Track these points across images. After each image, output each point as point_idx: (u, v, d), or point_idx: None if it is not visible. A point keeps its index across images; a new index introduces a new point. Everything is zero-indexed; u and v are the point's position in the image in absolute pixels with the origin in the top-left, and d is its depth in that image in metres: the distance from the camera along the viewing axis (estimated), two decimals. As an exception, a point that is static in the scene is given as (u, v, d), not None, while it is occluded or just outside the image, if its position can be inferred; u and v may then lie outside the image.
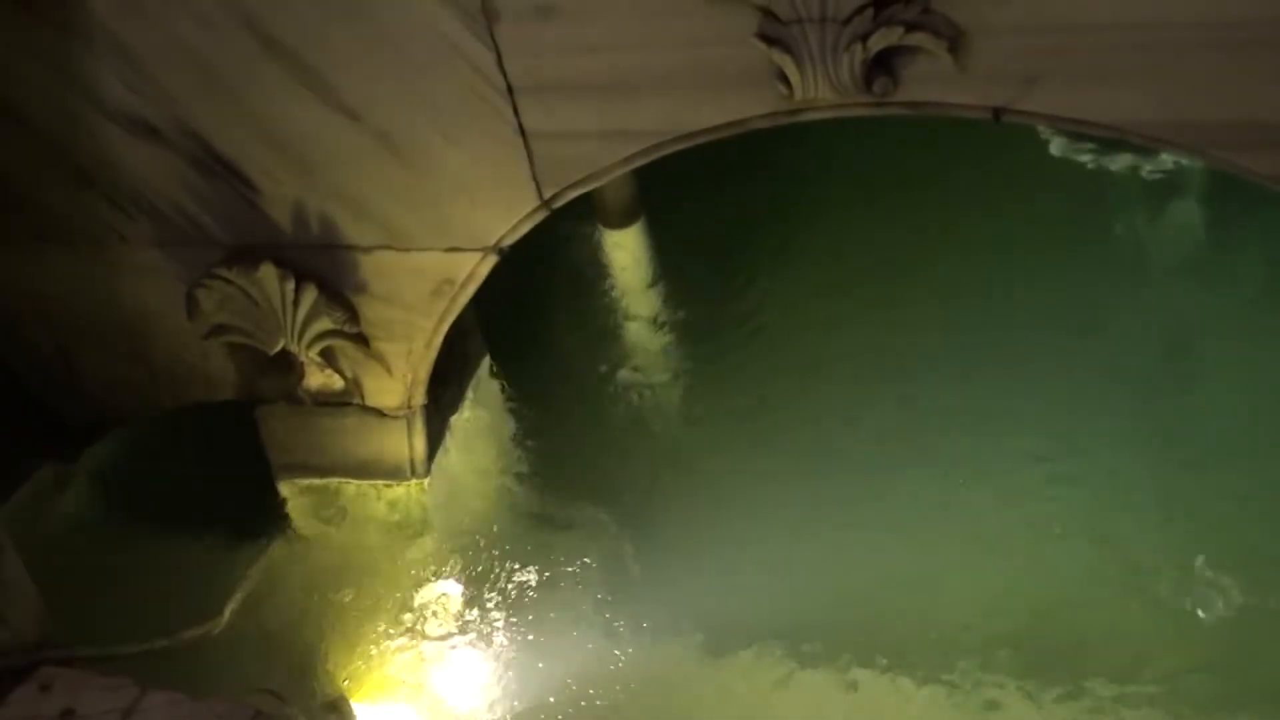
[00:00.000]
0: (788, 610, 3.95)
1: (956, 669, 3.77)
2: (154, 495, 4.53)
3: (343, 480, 4.24)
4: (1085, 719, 3.61)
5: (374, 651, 4.07)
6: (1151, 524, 4.00)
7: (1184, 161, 4.70)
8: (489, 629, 4.10)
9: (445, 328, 3.89)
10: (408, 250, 3.74)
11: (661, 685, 3.85)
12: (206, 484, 4.49)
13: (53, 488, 4.50)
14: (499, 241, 3.67)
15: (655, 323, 4.98)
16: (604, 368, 4.84)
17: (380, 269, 3.80)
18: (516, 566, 4.24)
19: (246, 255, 3.80)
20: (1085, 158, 5.07)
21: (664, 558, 4.15)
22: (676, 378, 4.79)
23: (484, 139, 3.46)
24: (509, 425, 4.63)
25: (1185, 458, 4.14)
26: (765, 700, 3.81)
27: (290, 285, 3.78)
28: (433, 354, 3.95)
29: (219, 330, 3.93)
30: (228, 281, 3.81)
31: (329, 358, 3.97)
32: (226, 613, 4.05)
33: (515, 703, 3.90)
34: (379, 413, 4.09)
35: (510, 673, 3.98)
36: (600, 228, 5.08)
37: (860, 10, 2.95)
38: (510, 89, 3.36)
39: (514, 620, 4.10)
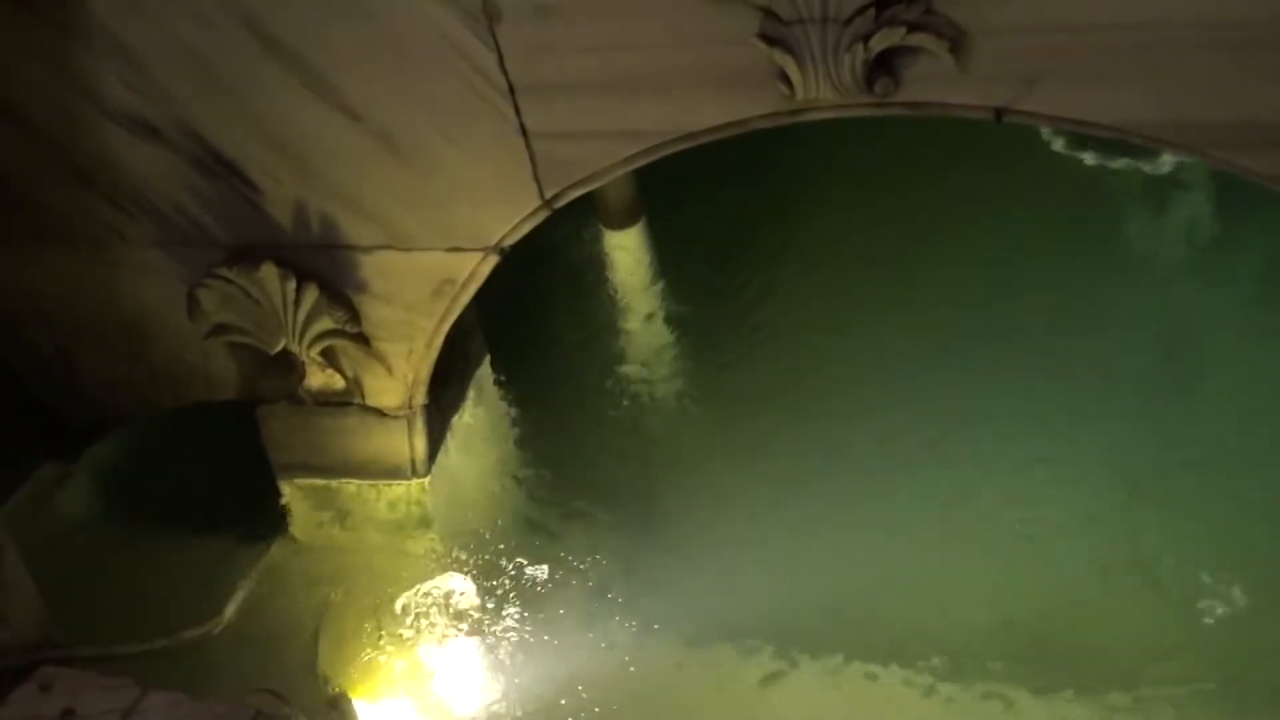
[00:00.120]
0: (788, 610, 3.95)
1: (956, 669, 3.78)
2: (154, 495, 4.53)
3: (343, 480, 4.24)
4: (1083, 717, 3.61)
5: (374, 651, 4.07)
6: (1152, 524, 4.01)
7: (1184, 162, 4.71)
8: (489, 628, 4.11)
9: (446, 328, 3.89)
10: (409, 250, 3.74)
11: (662, 685, 3.85)
12: (207, 484, 4.48)
13: (53, 488, 4.50)
14: (500, 241, 3.67)
15: (655, 323, 4.99)
16: (604, 368, 4.84)
17: (381, 269, 3.80)
18: (517, 566, 4.24)
19: (247, 255, 3.80)
20: (1086, 158, 5.08)
21: (664, 557, 4.15)
22: (677, 377, 4.80)
23: (485, 139, 3.46)
24: (509, 425, 4.63)
25: (1186, 458, 4.14)
26: (765, 700, 3.81)
27: (291, 285, 3.78)
28: (434, 354, 3.95)
29: (220, 330, 3.93)
30: (229, 281, 3.81)
31: (330, 358, 3.97)
32: (227, 612, 4.05)
33: (515, 702, 3.90)
34: (380, 413, 4.09)
35: (510, 672, 3.98)
36: (601, 228, 5.08)
37: (862, 11, 2.95)
38: (511, 89, 3.36)
39: (514, 619, 4.11)
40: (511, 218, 3.61)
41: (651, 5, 3.14)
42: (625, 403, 4.72)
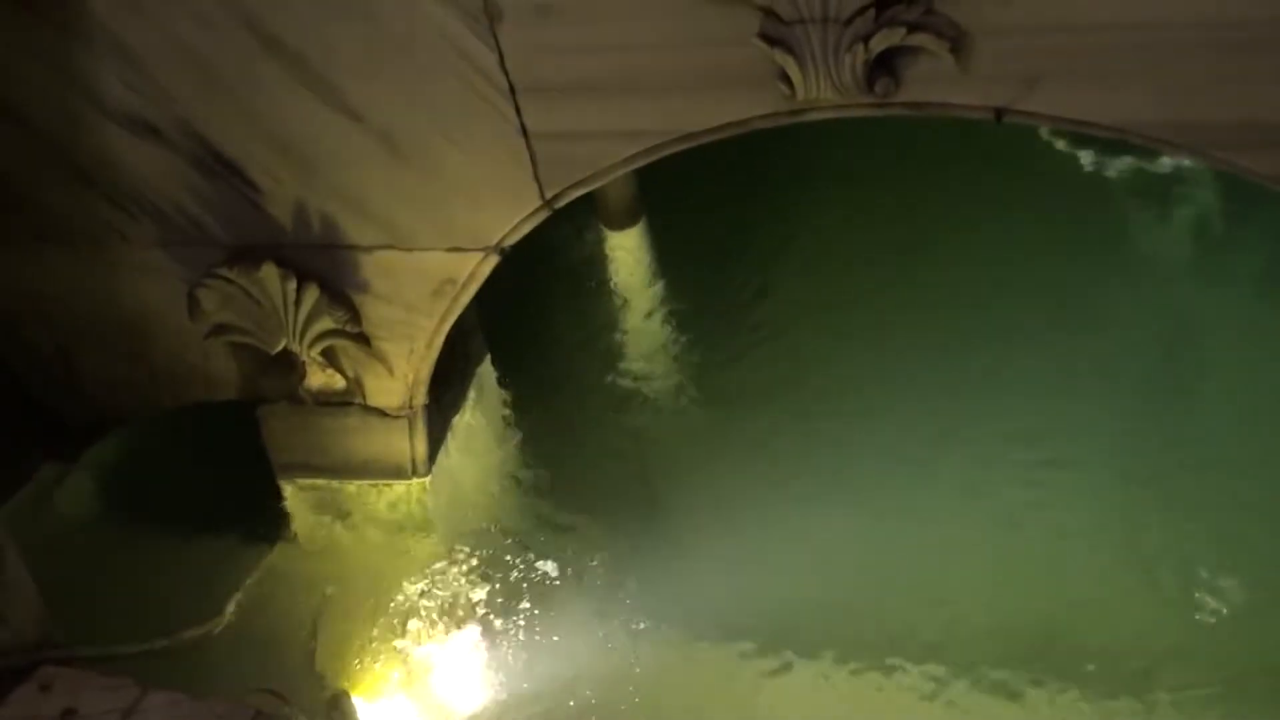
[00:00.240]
0: (789, 610, 3.96)
1: (957, 670, 3.79)
2: (155, 495, 4.53)
3: (344, 480, 4.23)
4: (1082, 716, 3.61)
5: (374, 651, 4.07)
6: (1152, 524, 4.02)
7: (1185, 162, 4.71)
8: (489, 628, 4.11)
9: (447, 328, 3.89)
10: (410, 250, 3.74)
11: (664, 684, 3.86)
12: (207, 484, 4.49)
13: (53, 488, 4.49)
14: (501, 241, 3.67)
15: (656, 322, 4.99)
16: (605, 368, 4.85)
17: (382, 269, 3.80)
18: (517, 565, 4.24)
19: (248, 255, 3.80)
20: (1086, 158, 5.08)
21: (665, 556, 4.16)
22: (677, 377, 4.80)
23: (486, 139, 3.46)
24: (510, 425, 4.63)
25: (1186, 458, 4.15)
26: (767, 699, 3.82)
27: (292, 285, 3.78)
28: (434, 354, 3.95)
29: (220, 330, 3.93)
30: (229, 281, 3.81)
31: (330, 357, 3.97)
32: (227, 612, 4.05)
33: (516, 702, 3.91)
34: (380, 413, 4.09)
35: (511, 672, 3.99)
36: (601, 228, 5.08)
37: (862, 11, 2.95)
38: (512, 89, 3.36)
39: (515, 619, 4.11)
40: (512, 218, 3.61)
41: (652, 5, 3.14)
42: (626, 402, 4.73)
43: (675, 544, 4.19)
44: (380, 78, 3.42)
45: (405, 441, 4.12)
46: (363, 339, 3.92)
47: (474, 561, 4.27)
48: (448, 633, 4.12)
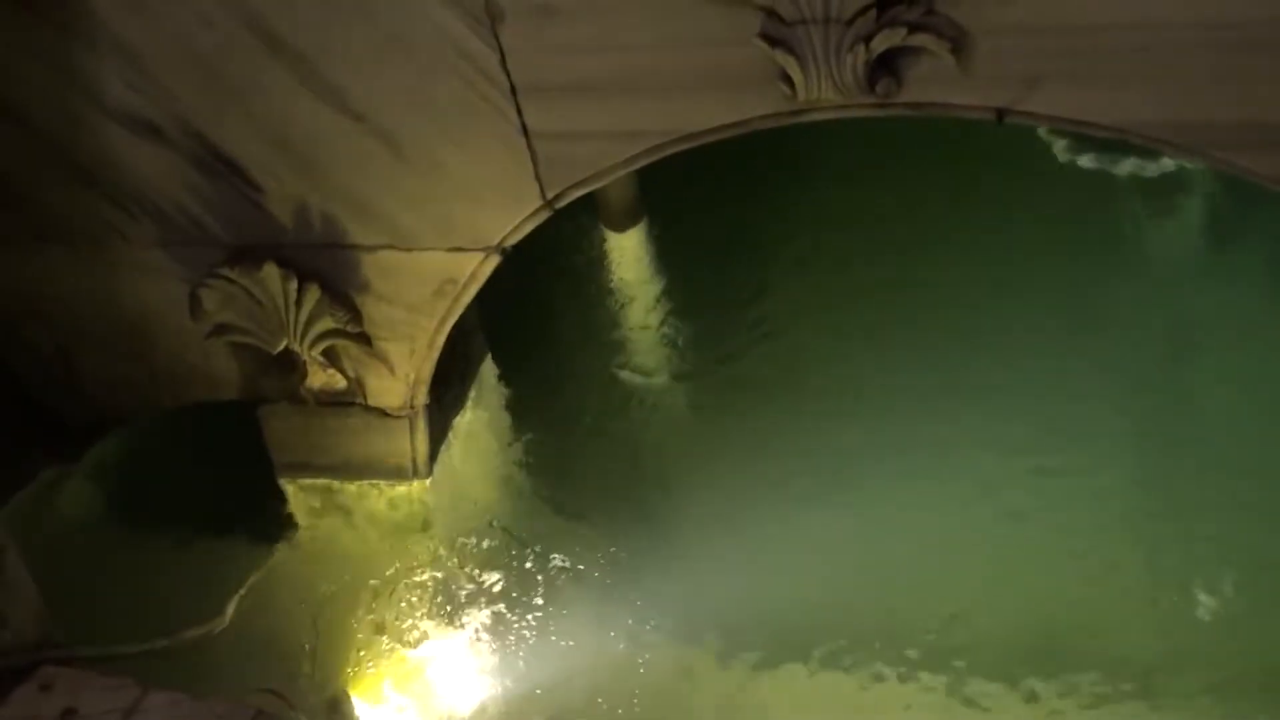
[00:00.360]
0: (790, 610, 3.96)
1: (958, 671, 3.79)
2: (156, 495, 4.53)
3: (345, 480, 4.23)
4: (1082, 717, 3.61)
5: (375, 651, 4.07)
6: (1153, 524, 4.02)
7: (1185, 162, 4.71)
8: (491, 628, 4.11)
9: (448, 327, 3.89)
10: (411, 250, 3.74)
11: (665, 684, 3.86)
12: (208, 484, 4.48)
13: (54, 488, 4.49)
14: (502, 241, 3.67)
15: (656, 322, 4.99)
16: (606, 368, 4.85)
17: (383, 269, 3.80)
18: (518, 565, 4.24)
19: (249, 255, 3.80)
20: (1087, 159, 5.08)
21: (666, 557, 4.16)
22: (678, 377, 4.80)
23: (487, 139, 3.46)
24: (511, 425, 4.63)
25: (1187, 457, 4.15)
26: (767, 699, 3.82)
27: (293, 285, 3.78)
28: (435, 354, 3.95)
29: (221, 330, 3.93)
30: (230, 281, 3.81)
31: (331, 357, 3.97)
32: (228, 612, 4.04)
33: (517, 702, 3.91)
34: (381, 413, 4.09)
35: (512, 672, 3.99)
36: (602, 228, 5.09)
37: (863, 11, 2.96)
38: (513, 89, 3.36)
39: (515, 619, 4.11)
40: (513, 218, 3.61)
41: (653, 5, 3.14)
42: (626, 402, 4.73)
43: (677, 544, 4.19)
44: (381, 78, 3.43)
45: (406, 441, 4.12)
46: (364, 339, 3.92)
47: (475, 561, 4.27)
48: (448, 633, 4.12)
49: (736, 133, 3.33)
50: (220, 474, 4.45)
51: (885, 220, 5.03)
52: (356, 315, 3.88)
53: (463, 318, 3.92)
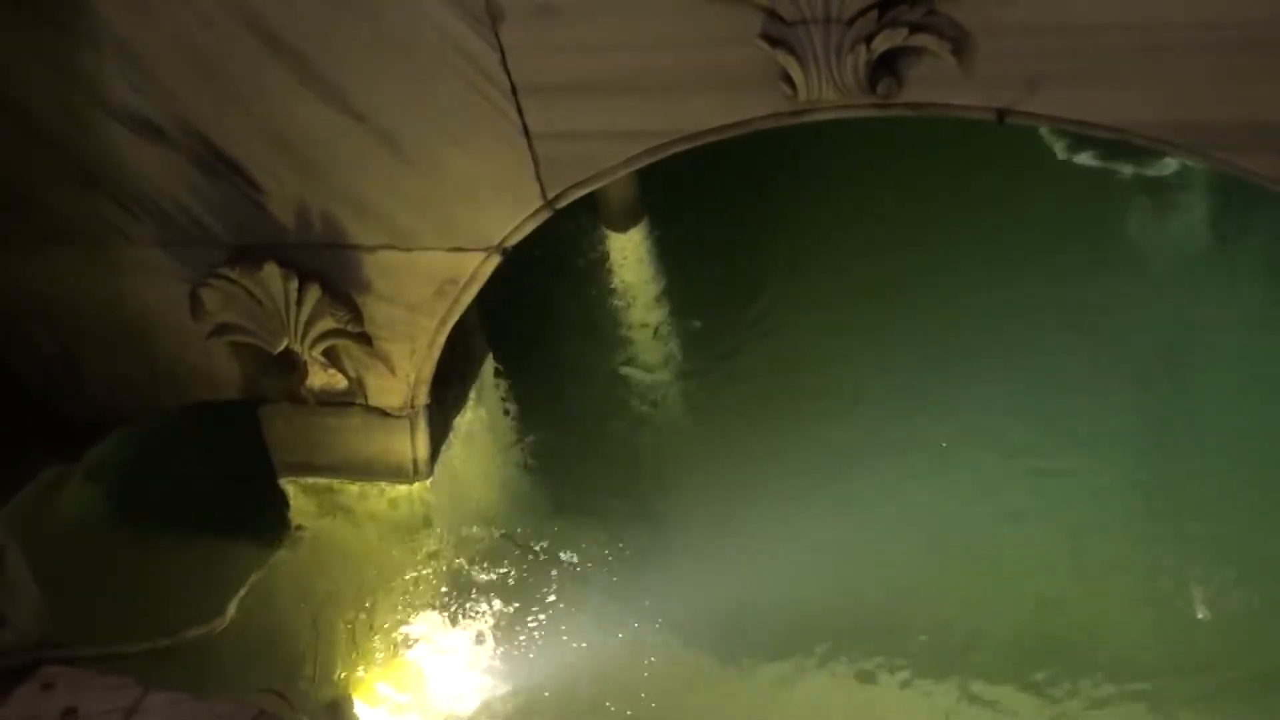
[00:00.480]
0: (792, 610, 3.96)
1: (958, 670, 3.78)
2: (157, 495, 4.54)
3: (346, 480, 4.24)
4: (1082, 718, 3.62)
5: (376, 651, 4.07)
6: (1153, 523, 4.01)
7: (1187, 163, 4.71)
8: (491, 629, 4.11)
9: (449, 328, 3.89)
10: (411, 250, 3.74)
11: (667, 685, 3.86)
12: (209, 483, 4.49)
13: (55, 488, 4.49)
14: (502, 241, 3.67)
15: (657, 323, 4.99)
16: (606, 368, 4.85)
17: (384, 269, 3.80)
18: (519, 565, 4.24)
19: (250, 255, 3.80)
20: (1088, 158, 5.08)
21: (668, 557, 4.15)
22: (679, 377, 4.80)
23: (488, 139, 3.46)
24: (511, 425, 4.63)
25: (1187, 458, 4.15)
26: (769, 699, 3.82)
27: (294, 285, 3.78)
28: (436, 353, 3.95)
29: (223, 330, 3.94)
30: (231, 281, 3.81)
31: (332, 357, 3.97)
32: (229, 612, 4.04)
33: (518, 703, 3.90)
34: (382, 412, 4.09)
35: (513, 672, 3.98)
36: (602, 229, 5.09)
37: (864, 11, 2.95)
38: (514, 89, 3.36)
39: (516, 619, 4.10)
40: (514, 218, 3.61)
41: (653, 5, 3.14)
42: (627, 402, 4.73)
43: (678, 544, 4.18)
44: (382, 78, 3.43)
45: (407, 441, 4.13)
46: (364, 339, 3.92)
47: (476, 561, 4.27)
48: (449, 633, 4.12)
49: (737, 133, 3.33)
50: (221, 474, 4.46)
51: (885, 220, 5.03)
52: (357, 315, 3.88)
53: (463, 318, 3.92)
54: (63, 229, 3.96)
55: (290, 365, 4.02)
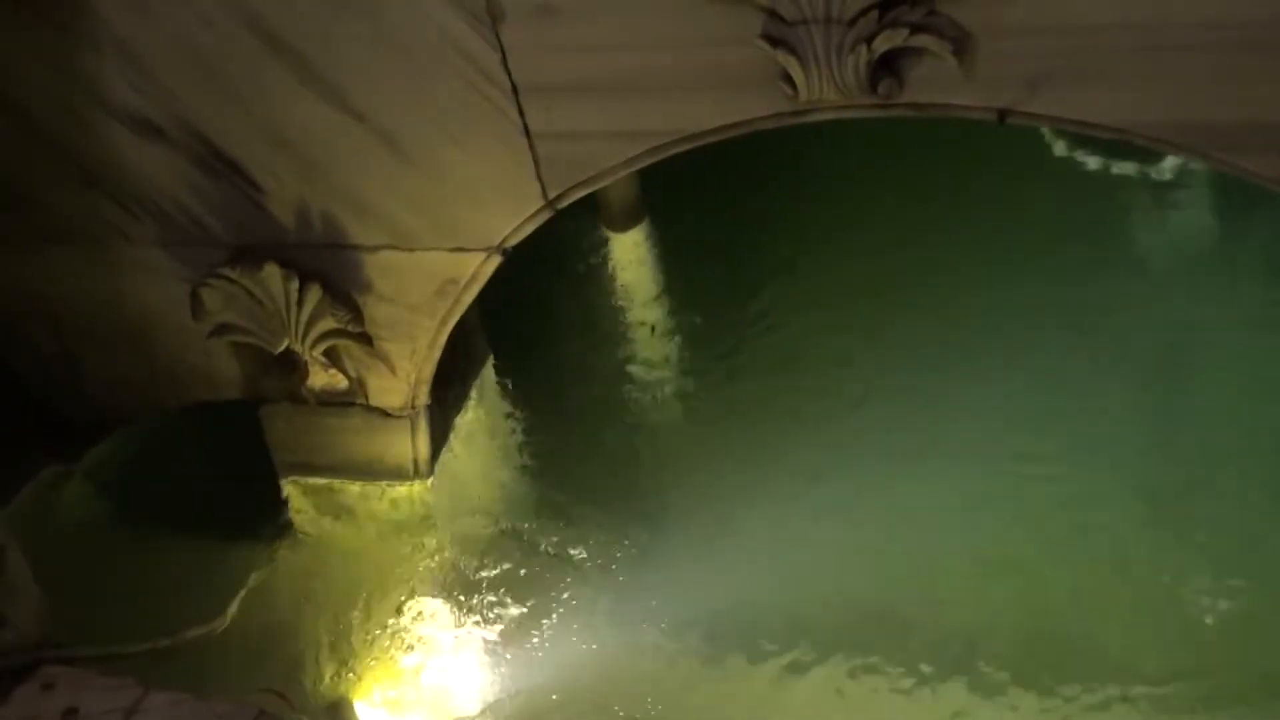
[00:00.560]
0: (790, 609, 3.96)
1: (957, 669, 3.78)
2: (157, 495, 4.53)
3: (346, 480, 4.24)
4: (1081, 718, 3.62)
5: (376, 651, 4.07)
6: (1153, 524, 4.01)
7: (1187, 163, 4.71)
8: (491, 629, 4.10)
9: (449, 328, 3.89)
10: (412, 250, 3.74)
11: (668, 684, 3.85)
12: (209, 483, 4.49)
13: (55, 488, 4.49)
14: (503, 242, 3.67)
15: (658, 323, 4.99)
16: (607, 367, 4.84)
17: (384, 269, 3.80)
18: (520, 566, 4.24)
19: (250, 255, 3.80)
20: (1088, 158, 5.08)
21: (669, 557, 4.15)
22: (680, 377, 4.80)
23: (488, 139, 3.46)
24: (512, 425, 4.63)
25: (1188, 458, 4.15)
26: (767, 698, 3.81)
27: (294, 285, 3.78)
28: (436, 353, 3.96)
29: (223, 330, 3.94)
30: (232, 281, 3.81)
31: (333, 357, 3.97)
32: (230, 612, 4.05)
33: (518, 703, 3.90)
34: (383, 412, 4.09)
35: (513, 673, 3.98)
36: (603, 229, 5.09)
37: (865, 12, 2.95)
38: (515, 89, 3.36)
39: (517, 620, 4.10)
40: (515, 218, 3.61)
41: (654, 5, 3.14)
42: (628, 402, 4.72)
43: (679, 544, 4.18)
44: (383, 77, 3.43)
45: (407, 441, 4.13)
46: (365, 339, 3.92)
47: (477, 561, 4.27)
48: (449, 633, 4.11)
49: (738, 133, 3.33)
50: (221, 474, 4.46)
51: (885, 220, 5.03)
52: (358, 315, 3.88)
53: (464, 318, 3.92)
54: (63, 229, 3.96)
55: (291, 365, 4.02)
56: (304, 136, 3.58)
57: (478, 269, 3.74)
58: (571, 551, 4.25)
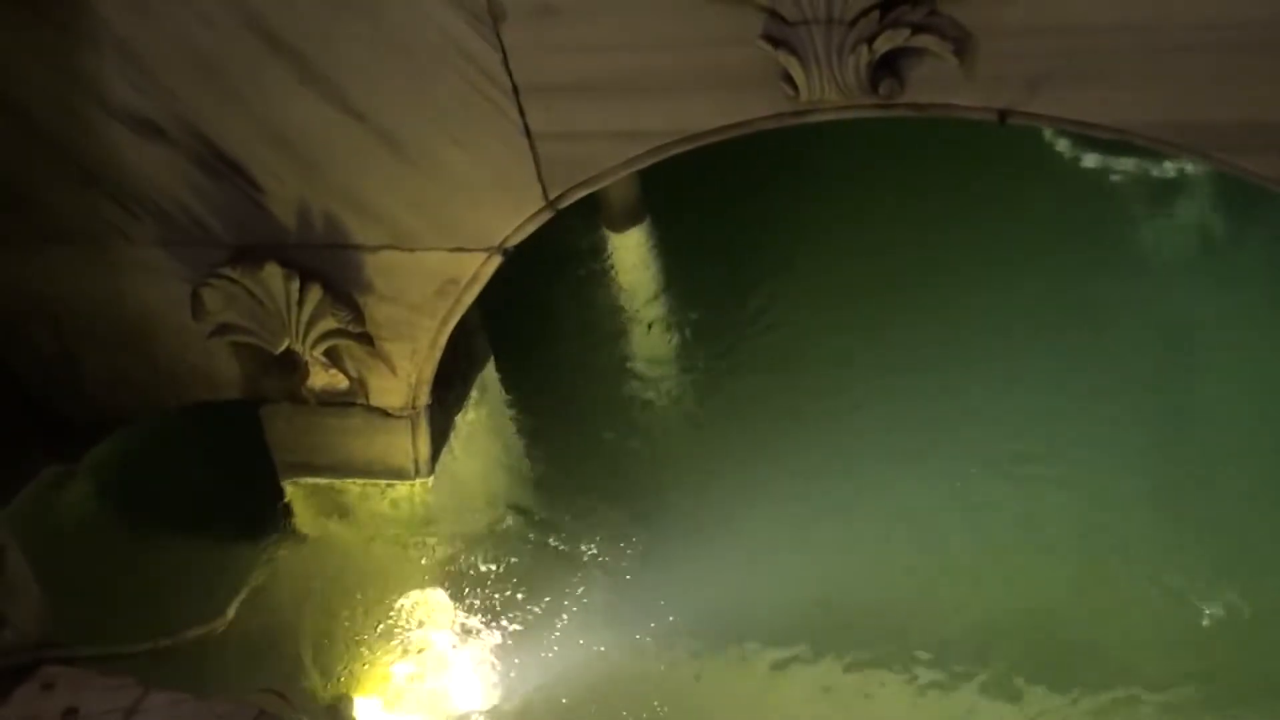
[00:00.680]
0: (789, 609, 3.96)
1: (957, 669, 3.78)
2: (157, 495, 4.53)
3: (347, 480, 4.24)
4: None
5: (376, 651, 4.07)
6: (1154, 524, 4.01)
7: (1187, 164, 4.72)
8: (491, 629, 4.10)
9: (450, 328, 3.89)
10: (413, 250, 3.74)
11: (667, 684, 3.85)
12: (210, 483, 4.48)
13: (55, 488, 4.49)
14: (504, 242, 3.67)
15: (659, 323, 4.99)
16: (608, 368, 4.84)
17: (385, 269, 3.80)
18: (520, 566, 4.24)
19: (251, 255, 3.80)
20: (1089, 158, 5.09)
21: (669, 557, 4.15)
22: (680, 377, 4.80)
23: (489, 139, 3.46)
24: (513, 425, 4.63)
25: (1188, 458, 4.15)
26: (766, 698, 3.82)
27: (295, 285, 3.78)
28: (437, 354, 3.96)
29: (224, 330, 3.94)
30: (232, 281, 3.81)
31: (333, 357, 3.97)
32: (230, 612, 4.05)
33: (518, 703, 3.90)
34: (383, 413, 4.09)
35: (512, 673, 3.98)
36: (604, 229, 5.09)
37: (866, 12, 2.96)
38: (516, 89, 3.36)
39: (516, 620, 4.10)
40: (515, 218, 3.61)
41: (655, 6, 3.14)
42: (629, 403, 4.72)
43: (679, 544, 4.18)
44: (383, 77, 3.43)
45: (408, 442, 4.13)
46: (366, 339, 3.92)
47: (477, 561, 4.27)
48: (450, 633, 4.11)
49: (739, 133, 3.33)
50: (222, 474, 4.46)
51: (885, 220, 5.03)
52: (358, 315, 3.88)
53: (465, 318, 3.92)
54: (63, 229, 3.96)
55: (291, 365, 4.02)
56: (304, 136, 3.58)
57: (478, 269, 3.74)
58: (572, 551, 4.25)
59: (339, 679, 3.99)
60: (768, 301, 4.91)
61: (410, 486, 4.20)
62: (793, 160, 5.00)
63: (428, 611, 4.17)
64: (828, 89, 3.10)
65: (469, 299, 3.82)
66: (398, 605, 4.17)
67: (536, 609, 4.13)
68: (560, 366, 4.82)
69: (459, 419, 4.33)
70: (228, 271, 3.81)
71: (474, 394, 4.41)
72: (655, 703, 3.81)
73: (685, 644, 3.94)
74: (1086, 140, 4.85)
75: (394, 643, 4.09)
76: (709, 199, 5.12)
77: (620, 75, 3.27)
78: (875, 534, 4.11)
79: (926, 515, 4.14)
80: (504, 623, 4.11)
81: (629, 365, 4.87)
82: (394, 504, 4.26)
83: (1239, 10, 2.85)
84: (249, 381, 4.14)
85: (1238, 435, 4.18)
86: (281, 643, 4.06)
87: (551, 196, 3.55)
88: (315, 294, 3.80)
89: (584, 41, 3.23)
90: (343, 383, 4.05)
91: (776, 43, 3.05)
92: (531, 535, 4.32)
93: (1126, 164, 5.03)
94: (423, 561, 4.27)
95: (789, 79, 3.12)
